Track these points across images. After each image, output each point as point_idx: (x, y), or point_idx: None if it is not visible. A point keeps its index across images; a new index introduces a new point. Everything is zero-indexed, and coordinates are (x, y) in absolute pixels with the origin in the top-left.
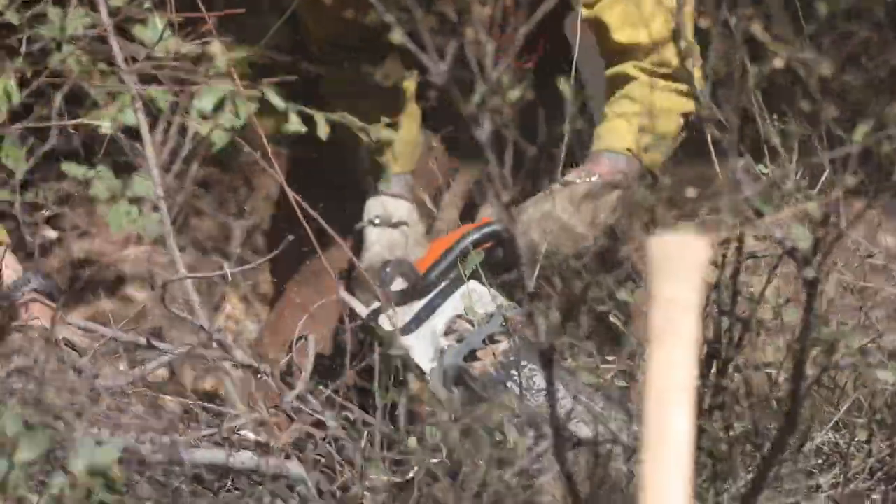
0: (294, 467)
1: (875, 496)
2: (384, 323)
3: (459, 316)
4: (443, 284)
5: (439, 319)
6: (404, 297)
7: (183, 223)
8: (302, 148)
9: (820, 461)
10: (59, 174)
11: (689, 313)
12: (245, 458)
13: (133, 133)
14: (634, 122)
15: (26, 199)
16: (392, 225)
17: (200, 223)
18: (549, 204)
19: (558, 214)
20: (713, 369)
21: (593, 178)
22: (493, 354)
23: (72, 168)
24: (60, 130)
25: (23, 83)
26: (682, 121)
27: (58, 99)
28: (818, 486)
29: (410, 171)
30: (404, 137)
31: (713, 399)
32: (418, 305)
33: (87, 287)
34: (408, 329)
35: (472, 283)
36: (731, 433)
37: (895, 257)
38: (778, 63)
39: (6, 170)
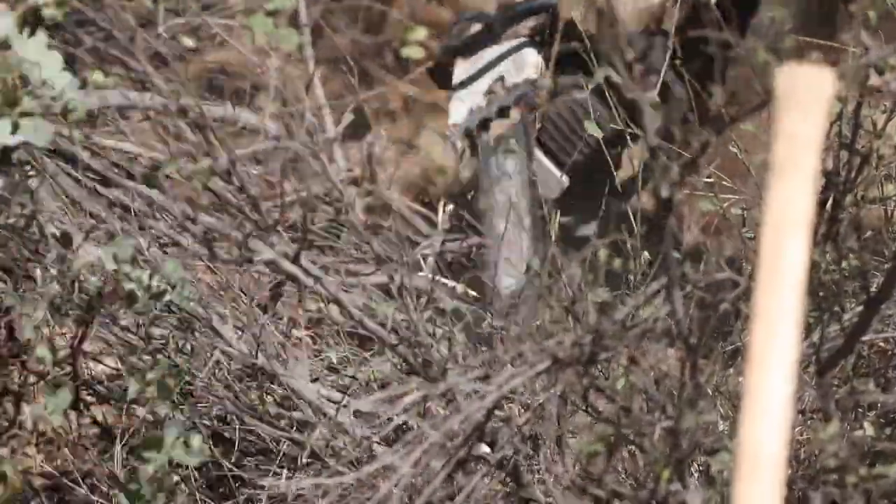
0: None
1: None
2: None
3: (501, 78)
4: (505, 44)
5: (487, 79)
6: (476, 44)
7: (317, 37)
8: None
9: None
10: None
11: (810, 146)
12: None
13: None
14: None
15: (167, 7)
16: None
17: (334, 38)
18: None
19: None
20: (829, 202)
21: None
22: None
23: None
24: None
25: None
26: None
27: None
28: None
29: None
30: None
31: (827, 232)
32: (482, 59)
33: (221, 95)
34: (460, 86)
35: (526, 49)
36: (842, 266)
37: None
38: None
39: None
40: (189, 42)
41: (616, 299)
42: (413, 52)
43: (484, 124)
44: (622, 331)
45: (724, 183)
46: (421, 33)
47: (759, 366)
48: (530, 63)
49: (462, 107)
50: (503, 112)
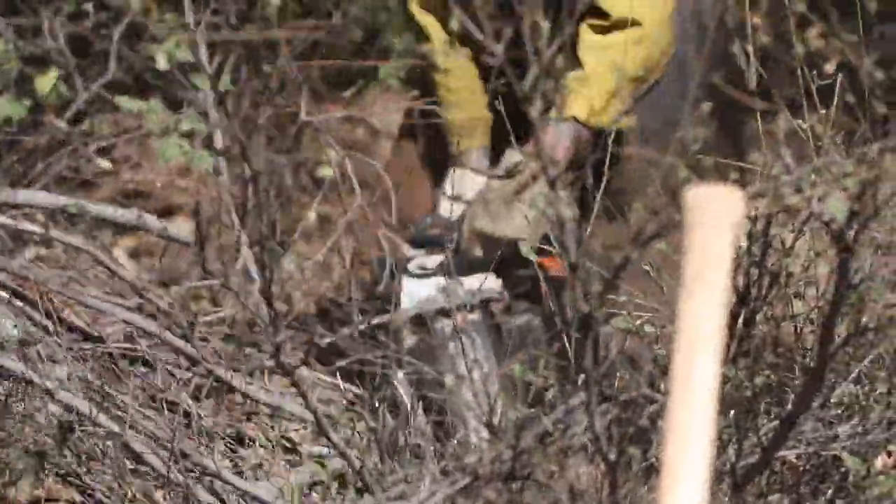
0: None
1: (891, 447)
2: (412, 266)
3: (460, 282)
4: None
5: (445, 281)
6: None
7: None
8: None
9: (839, 412)
10: (114, 107)
11: (721, 264)
12: None
13: (188, 69)
14: (586, 86)
15: (82, 130)
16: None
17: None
18: (470, 214)
19: (477, 226)
20: (741, 319)
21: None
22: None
23: (126, 102)
24: (118, 64)
25: (81, 15)
26: (640, 72)
27: (116, 33)
28: (836, 436)
29: (485, 145)
30: (474, 115)
31: (739, 348)
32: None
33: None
34: (415, 274)
35: (490, 277)
36: (756, 382)
37: None
38: (829, 67)
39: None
40: (105, 164)
41: (536, 415)
42: (328, 172)
43: (440, 313)
44: (541, 446)
45: (639, 301)
46: (336, 155)
47: (673, 481)
48: (492, 280)
49: (417, 291)
50: (462, 307)
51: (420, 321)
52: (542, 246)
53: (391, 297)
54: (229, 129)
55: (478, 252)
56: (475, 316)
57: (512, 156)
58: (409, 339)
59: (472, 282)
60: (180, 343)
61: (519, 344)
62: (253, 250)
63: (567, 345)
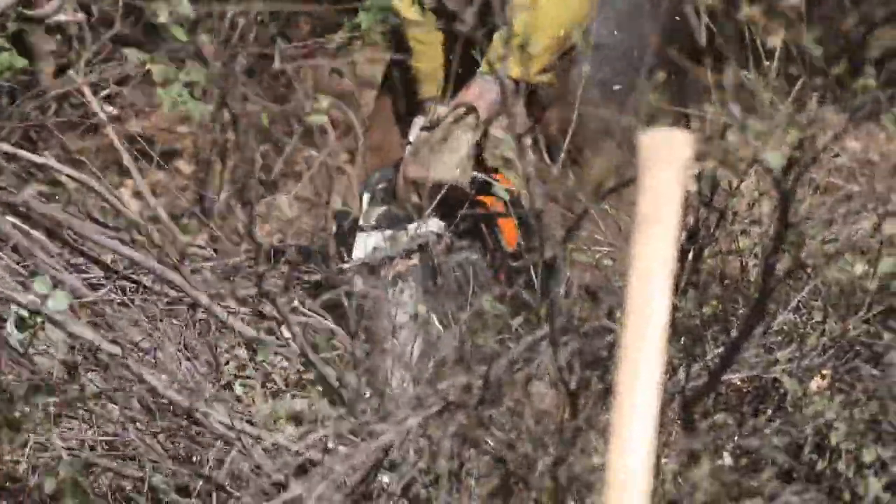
0: None
1: (825, 371)
2: (363, 220)
3: (405, 228)
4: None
5: (392, 231)
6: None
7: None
8: None
9: (779, 339)
10: (121, 58)
11: (671, 201)
12: None
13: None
14: (510, 43)
15: (90, 79)
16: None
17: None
18: (402, 164)
19: (409, 174)
20: (690, 254)
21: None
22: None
23: (132, 53)
24: (123, 18)
25: None
26: (560, 29)
27: None
28: (776, 361)
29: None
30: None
31: (688, 280)
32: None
33: (141, 159)
34: (365, 227)
35: (435, 220)
36: (703, 312)
37: (858, 160)
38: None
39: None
40: (110, 109)
41: (504, 345)
42: (318, 119)
43: (385, 261)
44: (509, 374)
45: (597, 237)
46: (325, 103)
47: (626, 403)
48: (434, 223)
49: (367, 242)
50: (405, 255)
51: (371, 270)
52: (486, 178)
53: (349, 248)
54: (209, 76)
55: (414, 199)
56: (414, 260)
57: (436, 108)
58: (358, 284)
59: (417, 228)
60: (172, 273)
61: (460, 279)
62: (234, 186)
63: (533, 279)
